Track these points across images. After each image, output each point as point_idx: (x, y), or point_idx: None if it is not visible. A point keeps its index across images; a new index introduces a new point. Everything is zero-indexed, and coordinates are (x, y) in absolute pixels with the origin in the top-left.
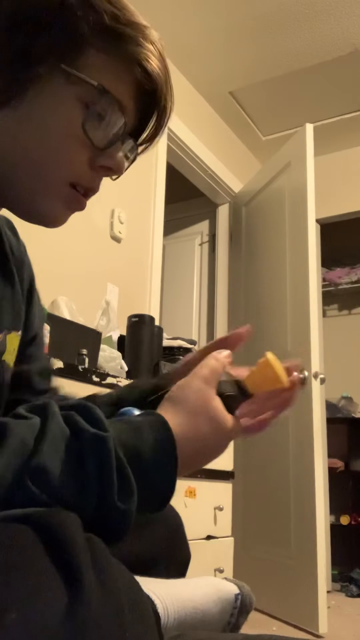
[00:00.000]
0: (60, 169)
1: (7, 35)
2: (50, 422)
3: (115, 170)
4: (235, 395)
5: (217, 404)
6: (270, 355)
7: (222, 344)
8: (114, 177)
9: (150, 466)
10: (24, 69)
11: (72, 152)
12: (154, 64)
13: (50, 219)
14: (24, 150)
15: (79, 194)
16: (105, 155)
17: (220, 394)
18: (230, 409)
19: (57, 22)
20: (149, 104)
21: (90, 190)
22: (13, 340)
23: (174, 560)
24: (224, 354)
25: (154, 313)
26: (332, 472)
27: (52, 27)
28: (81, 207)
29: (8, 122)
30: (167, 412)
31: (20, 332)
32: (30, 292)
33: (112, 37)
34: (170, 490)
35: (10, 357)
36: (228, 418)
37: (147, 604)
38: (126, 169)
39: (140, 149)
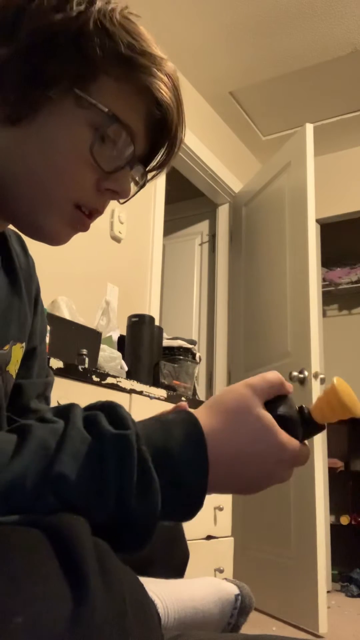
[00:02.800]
0: (65, 189)
1: (23, 55)
2: (71, 427)
3: (121, 194)
4: (290, 417)
5: (262, 412)
6: (336, 381)
7: None
8: (121, 200)
9: (178, 465)
10: (36, 90)
11: (78, 174)
12: (165, 94)
13: (53, 237)
14: (29, 168)
15: (84, 214)
16: (112, 179)
17: (275, 413)
18: (293, 434)
19: (73, 47)
20: (160, 133)
21: (95, 211)
22: (17, 352)
23: (172, 559)
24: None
25: (154, 313)
26: (332, 472)
27: (67, 51)
28: (85, 227)
29: (17, 141)
30: (200, 412)
31: (24, 344)
32: (36, 304)
33: (126, 65)
34: (200, 492)
35: (13, 368)
36: (277, 432)
37: (152, 607)
38: (135, 194)
39: (150, 175)
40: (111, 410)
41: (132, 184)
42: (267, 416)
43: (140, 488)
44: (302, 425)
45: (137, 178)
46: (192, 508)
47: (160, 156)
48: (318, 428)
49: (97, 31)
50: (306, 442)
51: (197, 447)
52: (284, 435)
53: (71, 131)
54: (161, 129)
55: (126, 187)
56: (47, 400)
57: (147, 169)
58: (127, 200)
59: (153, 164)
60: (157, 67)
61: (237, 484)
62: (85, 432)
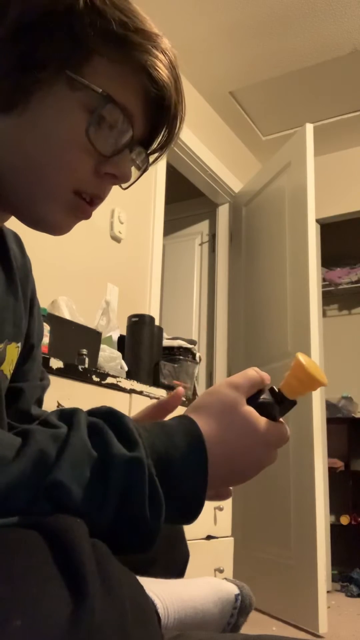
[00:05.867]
0: (62, 175)
1: (13, 40)
2: (74, 435)
3: (120, 178)
4: (267, 402)
5: (247, 409)
6: (300, 356)
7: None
8: (123, 186)
9: (179, 477)
10: (28, 75)
11: (75, 159)
12: (162, 72)
13: (54, 226)
14: (26, 156)
15: (84, 201)
16: (110, 162)
17: (253, 403)
18: (271, 417)
19: (63, 28)
20: (159, 113)
21: (96, 197)
22: (12, 351)
23: (172, 559)
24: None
25: (154, 313)
26: (332, 472)
27: (57, 33)
28: (86, 215)
29: (11, 128)
30: (193, 418)
31: (20, 344)
32: (32, 305)
33: (120, 44)
34: (199, 502)
35: (7, 368)
36: (261, 424)
37: (151, 608)
38: (138, 178)
39: (151, 158)
40: (116, 420)
41: (133, 168)
42: (250, 412)
43: (143, 501)
44: (277, 405)
45: (138, 161)
46: (189, 516)
47: (161, 137)
48: (291, 403)
49: (87, 10)
50: (282, 419)
51: (198, 459)
52: (266, 424)
53: (66, 115)
54: (160, 109)
55: (126, 170)
56: (40, 403)
57: (149, 151)
58: (130, 185)
59: (154, 146)
60: (152, 44)
61: (232, 478)
62: (88, 441)
